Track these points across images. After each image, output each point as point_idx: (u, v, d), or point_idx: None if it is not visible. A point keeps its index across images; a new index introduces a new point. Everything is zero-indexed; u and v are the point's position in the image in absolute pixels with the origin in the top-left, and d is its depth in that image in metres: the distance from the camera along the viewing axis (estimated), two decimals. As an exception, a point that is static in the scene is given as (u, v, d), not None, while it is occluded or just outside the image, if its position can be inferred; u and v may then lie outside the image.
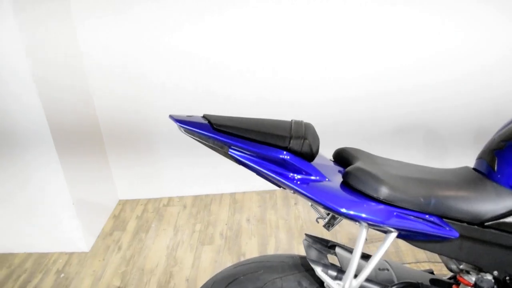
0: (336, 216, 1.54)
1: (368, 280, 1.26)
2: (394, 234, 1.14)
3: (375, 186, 1.10)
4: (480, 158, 1.33)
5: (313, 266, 1.28)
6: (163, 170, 3.42)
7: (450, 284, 1.37)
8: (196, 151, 2.88)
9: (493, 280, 1.24)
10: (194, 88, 3.08)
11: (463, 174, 1.31)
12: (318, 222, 1.59)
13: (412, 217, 1.11)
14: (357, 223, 1.15)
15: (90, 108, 3.13)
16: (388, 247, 1.14)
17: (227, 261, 2.70)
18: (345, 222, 1.26)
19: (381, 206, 1.10)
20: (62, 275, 2.71)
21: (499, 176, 1.26)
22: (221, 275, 1.43)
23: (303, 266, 1.37)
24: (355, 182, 1.13)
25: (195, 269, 2.66)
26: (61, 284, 2.63)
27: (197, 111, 1.34)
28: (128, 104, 3.16)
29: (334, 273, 1.24)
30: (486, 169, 1.30)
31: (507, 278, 1.24)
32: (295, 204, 3.24)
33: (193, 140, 1.17)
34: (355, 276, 1.16)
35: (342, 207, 1.08)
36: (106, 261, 2.81)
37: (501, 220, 1.18)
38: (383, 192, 1.10)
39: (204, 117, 1.15)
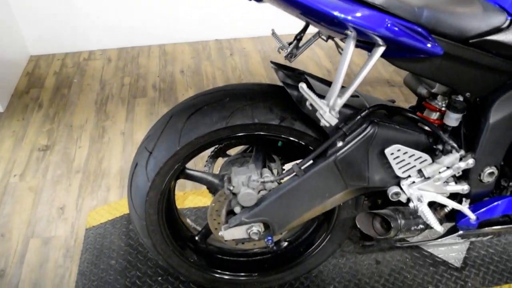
0: (299, 46, 1.43)
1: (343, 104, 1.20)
2: (382, 48, 1.05)
3: None
4: None
5: (288, 89, 1.18)
6: (80, 20, 3.01)
7: (415, 112, 1.36)
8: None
9: (464, 102, 1.23)
10: None
11: None
12: (279, 52, 1.46)
13: (402, 27, 1.02)
14: (343, 35, 1.03)
15: None
16: (375, 62, 1.06)
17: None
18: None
19: (375, 12, 0.99)
20: (-23, 134, 2.42)
21: (486, -9, 1.18)
22: (179, 107, 1.28)
23: (273, 93, 1.26)
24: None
25: (129, 123, 2.50)
26: (-23, 143, 2.36)
27: None
28: None
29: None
30: None
31: (477, 99, 1.24)
32: (230, 55, 3.07)
33: None
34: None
35: (335, 10, 0.95)
36: (27, 120, 2.54)
37: (485, 38, 1.13)
38: None
39: None
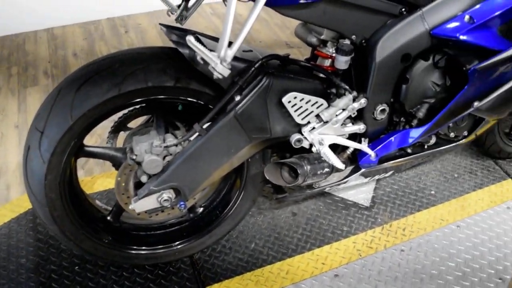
0: (189, 7, 1.40)
1: (235, 58, 1.20)
2: (264, -3, 1.06)
3: None
4: None
5: (180, 48, 1.15)
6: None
7: (308, 61, 1.40)
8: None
9: (352, 45, 1.28)
10: None
11: None
12: (169, 15, 1.42)
13: (282, -27, 1.03)
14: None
15: None
16: (260, 10, 1.06)
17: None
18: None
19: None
20: None
21: None
22: (68, 80, 1.20)
23: (165, 54, 1.23)
24: None
25: (23, 114, 2.32)
26: None
27: None
28: None
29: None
30: None
31: (363, 41, 1.30)
32: (126, 32, 2.95)
33: None
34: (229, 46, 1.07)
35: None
36: None
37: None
38: None
39: None
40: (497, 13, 1.27)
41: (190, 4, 1.38)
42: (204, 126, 1.22)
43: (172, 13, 1.40)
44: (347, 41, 1.29)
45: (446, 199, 1.88)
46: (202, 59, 1.07)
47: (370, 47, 1.29)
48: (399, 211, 1.81)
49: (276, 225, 1.73)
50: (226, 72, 1.05)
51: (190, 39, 1.00)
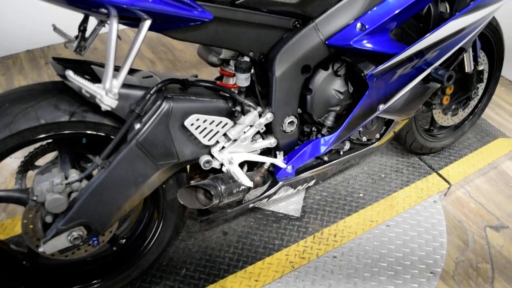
0: (86, 37, 1.37)
1: (131, 86, 1.17)
2: (148, 22, 1.04)
3: None
4: None
5: (67, 82, 1.12)
6: None
7: (212, 81, 1.39)
8: None
9: (250, 62, 1.29)
10: None
11: None
12: (67, 47, 1.38)
13: (163, -2, 1.02)
14: (105, 15, 1.00)
15: None
16: (144, 37, 1.04)
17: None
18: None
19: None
20: None
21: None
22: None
23: (57, 89, 1.19)
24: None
25: None
26: None
27: None
28: None
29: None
30: None
31: (261, 57, 1.31)
32: (46, 64, 2.86)
33: None
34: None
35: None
36: None
37: (250, -4, 1.19)
38: None
39: None
40: (387, 18, 1.31)
41: (87, 34, 1.35)
42: (106, 159, 1.18)
43: (69, 44, 1.37)
44: (245, 58, 1.30)
45: (374, 200, 1.92)
46: (87, 91, 1.04)
47: (269, 62, 1.30)
48: (329, 218, 1.83)
49: (207, 247, 1.70)
50: (114, 103, 1.02)
51: (69, 73, 0.97)
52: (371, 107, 1.42)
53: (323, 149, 1.44)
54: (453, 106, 1.99)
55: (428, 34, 1.35)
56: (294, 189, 1.60)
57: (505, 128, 2.48)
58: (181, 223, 1.64)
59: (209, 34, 1.20)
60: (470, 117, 2.20)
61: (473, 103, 2.12)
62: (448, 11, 1.52)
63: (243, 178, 1.31)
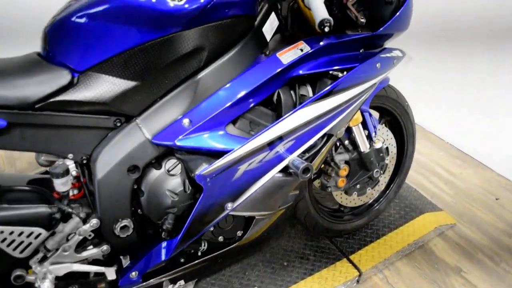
0: None
1: None
2: None
3: None
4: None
5: None
6: None
7: (47, 181, 1.29)
8: None
9: (67, 165, 1.19)
10: None
11: (23, 61, 1.20)
12: None
13: None
14: None
15: None
16: None
17: None
18: None
19: None
20: None
21: (50, 54, 1.18)
22: None
23: None
24: None
25: None
26: None
27: None
28: None
29: None
30: (43, 50, 1.21)
31: (84, 158, 1.21)
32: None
33: None
34: None
35: None
36: None
37: (50, 100, 1.12)
38: None
39: None
40: (218, 112, 1.21)
41: None
42: None
43: None
44: (63, 162, 1.20)
45: (270, 293, 1.75)
46: None
47: (91, 163, 1.20)
48: (217, 316, 1.66)
49: None
50: None
51: None
52: (215, 207, 1.29)
53: (169, 253, 1.31)
54: (358, 186, 1.85)
55: (269, 126, 1.25)
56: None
57: (438, 199, 2.32)
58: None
59: (14, 140, 1.12)
60: (386, 193, 2.06)
61: (384, 180, 1.98)
62: (311, 95, 1.43)
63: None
